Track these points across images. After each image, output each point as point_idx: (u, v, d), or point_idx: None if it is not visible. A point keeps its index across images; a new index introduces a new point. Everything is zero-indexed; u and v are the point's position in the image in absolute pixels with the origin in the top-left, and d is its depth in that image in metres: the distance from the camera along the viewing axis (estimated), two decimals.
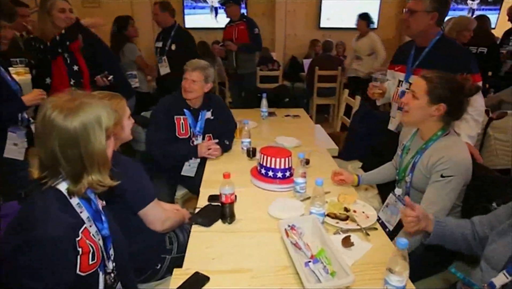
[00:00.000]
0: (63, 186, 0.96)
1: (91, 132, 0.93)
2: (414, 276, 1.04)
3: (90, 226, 1.00)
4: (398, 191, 1.55)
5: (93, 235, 1.00)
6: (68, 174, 0.95)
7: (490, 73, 3.76)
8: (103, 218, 1.08)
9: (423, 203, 1.40)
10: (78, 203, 0.99)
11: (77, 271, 0.94)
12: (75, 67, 2.22)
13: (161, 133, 2.10)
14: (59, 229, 0.89)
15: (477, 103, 1.78)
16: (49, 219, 0.90)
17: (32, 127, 1.94)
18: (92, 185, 0.98)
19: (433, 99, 1.39)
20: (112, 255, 1.10)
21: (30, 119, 1.93)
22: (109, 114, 0.98)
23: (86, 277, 0.97)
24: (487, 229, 1.11)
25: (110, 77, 2.46)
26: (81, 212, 0.99)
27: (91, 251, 0.98)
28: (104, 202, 1.12)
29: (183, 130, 2.17)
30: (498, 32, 4.57)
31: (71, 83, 2.19)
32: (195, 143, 2.19)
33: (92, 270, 0.99)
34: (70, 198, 0.97)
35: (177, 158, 2.14)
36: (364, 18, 4.20)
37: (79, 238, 0.94)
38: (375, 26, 5.96)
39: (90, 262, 0.98)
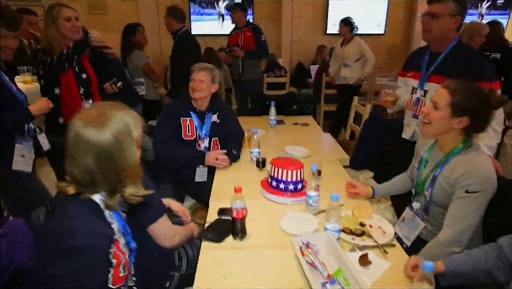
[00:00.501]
0: (97, 197, 0.96)
1: (124, 143, 0.94)
2: None
3: (120, 238, 0.99)
4: (415, 205, 1.49)
5: (122, 247, 0.99)
6: (105, 189, 0.95)
7: (502, 79, 3.68)
8: (128, 230, 1.06)
9: (447, 219, 1.32)
10: (110, 214, 0.99)
11: (109, 284, 0.93)
12: (84, 76, 2.19)
13: (167, 133, 2.12)
14: (96, 238, 0.89)
15: (496, 112, 1.71)
16: (84, 228, 0.89)
17: (40, 137, 1.90)
18: (128, 197, 0.98)
19: (456, 112, 1.31)
20: (132, 269, 1.08)
21: (37, 129, 1.90)
22: (136, 123, 0.98)
23: None
24: None
25: (119, 84, 2.42)
26: (112, 224, 0.98)
27: (122, 262, 0.97)
28: (125, 215, 1.10)
29: (189, 132, 2.16)
30: (507, 37, 4.48)
31: (81, 92, 2.16)
32: (201, 146, 2.17)
33: (123, 283, 0.98)
34: (107, 209, 0.97)
35: (181, 160, 2.10)
36: (347, 23, 4.07)
37: (112, 250, 0.93)
38: (382, 31, 5.95)
39: (121, 274, 0.97)
